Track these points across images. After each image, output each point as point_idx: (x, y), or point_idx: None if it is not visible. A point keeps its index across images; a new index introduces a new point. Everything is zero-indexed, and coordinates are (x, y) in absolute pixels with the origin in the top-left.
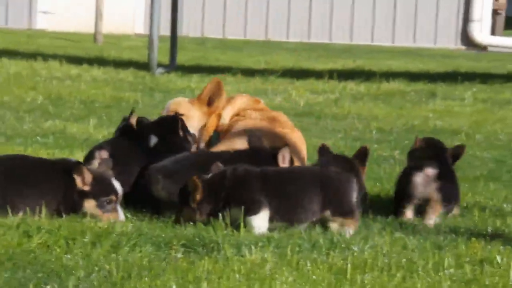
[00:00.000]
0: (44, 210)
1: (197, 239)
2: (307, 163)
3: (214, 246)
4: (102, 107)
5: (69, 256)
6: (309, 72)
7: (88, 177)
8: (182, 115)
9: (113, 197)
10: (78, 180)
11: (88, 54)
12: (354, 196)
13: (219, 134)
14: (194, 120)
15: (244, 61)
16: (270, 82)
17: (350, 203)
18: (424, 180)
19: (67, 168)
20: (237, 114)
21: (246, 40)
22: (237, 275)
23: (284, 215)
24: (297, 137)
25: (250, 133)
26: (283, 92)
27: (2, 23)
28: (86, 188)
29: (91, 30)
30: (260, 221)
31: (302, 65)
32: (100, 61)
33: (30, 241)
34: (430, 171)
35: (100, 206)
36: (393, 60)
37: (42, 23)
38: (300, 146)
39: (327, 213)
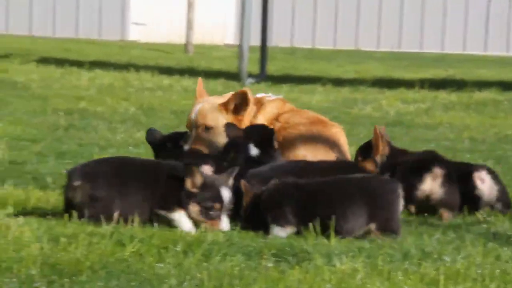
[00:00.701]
0: (136, 219)
1: (287, 249)
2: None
3: (304, 256)
4: None
5: (161, 265)
6: (399, 81)
7: (199, 180)
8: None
9: (218, 205)
10: (188, 182)
11: (179, 65)
12: (399, 209)
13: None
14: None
15: (333, 70)
16: (360, 91)
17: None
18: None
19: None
20: (275, 119)
21: (335, 49)
22: (327, 285)
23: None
24: (337, 132)
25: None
26: (373, 102)
27: (95, 35)
28: (195, 191)
29: (182, 40)
30: (282, 233)
31: (393, 75)
32: (191, 72)
33: (123, 250)
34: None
35: (203, 212)
36: (486, 69)
37: (134, 34)
38: (344, 141)
39: (372, 226)
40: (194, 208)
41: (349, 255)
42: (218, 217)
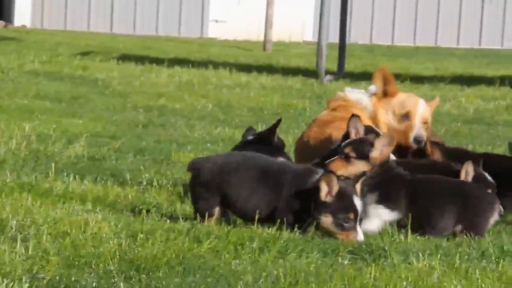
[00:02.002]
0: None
1: (364, 246)
2: None
3: (381, 253)
4: (270, 114)
5: (237, 261)
6: (479, 78)
7: (334, 189)
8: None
9: (352, 215)
10: (323, 191)
11: (257, 62)
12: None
13: None
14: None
15: (413, 67)
16: (439, 89)
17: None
18: None
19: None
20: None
21: (415, 46)
22: (404, 283)
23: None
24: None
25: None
26: (452, 99)
27: (175, 32)
28: (329, 200)
29: (261, 38)
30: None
31: (472, 72)
32: (269, 69)
33: (200, 246)
34: None
35: (337, 223)
36: None
37: (213, 31)
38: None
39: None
40: (327, 219)
41: (426, 253)
42: (353, 228)
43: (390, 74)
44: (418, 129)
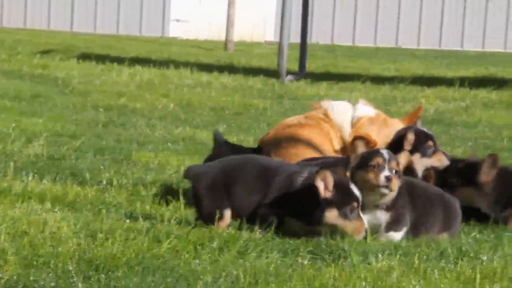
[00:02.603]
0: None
1: (324, 246)
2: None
3: (340, 253)
4: (232, 114)
5: (197, 261)
6: (439, 79)
7: (331, 183)
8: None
9: (355, 204)
10: (321, 187)
11: (218, 62)
12: None
13: None
14: None
15: (373, 68)
16: (399, 89)
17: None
18: None
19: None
20: None
21: (376, 47)
22: (363, 283)
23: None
24: (308, 133)
25: None
26: (412, 100)
27: (136, 32)
28: (329, 195)
29: (222, 37)
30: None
31: (433, 73)
32: (230, 69)
33: (160, 246)
34: None
35: (342, 215)
36: None
37: (174, 31)
38: (316, 141)
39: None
40: (331, 213)
41: (385, 253)
42: (358, 217)
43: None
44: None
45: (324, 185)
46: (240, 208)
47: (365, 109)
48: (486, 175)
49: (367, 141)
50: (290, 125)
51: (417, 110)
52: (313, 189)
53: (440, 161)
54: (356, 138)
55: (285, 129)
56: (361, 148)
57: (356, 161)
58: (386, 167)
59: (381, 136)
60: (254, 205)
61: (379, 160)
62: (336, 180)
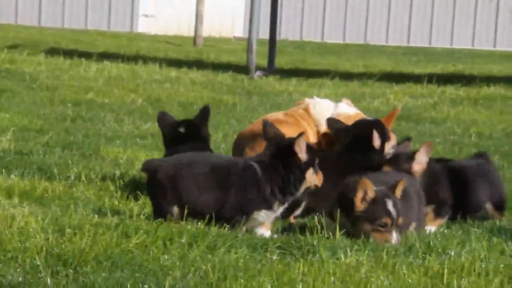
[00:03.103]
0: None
1: (293, 242)
2: None
3: (309, 249)
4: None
5: (166, 257)
6: (408, 76)
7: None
8: None
9: (388, 220)
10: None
11: (187, 57)
12: None
13: None
14: None
15: (342, 64)
16: (368, 86)
17: None
18: None
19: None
20: None
21: (345, 44)
22: (332, 278)
23: None
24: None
25: None
26: (381, 96)
27: (105, 26)
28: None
29: (191, 33)
30: None
31: (401, 69)
32: (199, 64)
33: (128, 241)
34: None
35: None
36: (494, 64)
37: (143, 26)
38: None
39: None
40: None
41: (354, 249)
42: (388, 232)
43: None
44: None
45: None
46: (192, 205)
47: (346, 108)
48: (419, 164)
49: (332, 139)
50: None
51: (393, 112)
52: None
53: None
54: (323, 135)
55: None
56: None
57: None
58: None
59: None
60: (210, 203)
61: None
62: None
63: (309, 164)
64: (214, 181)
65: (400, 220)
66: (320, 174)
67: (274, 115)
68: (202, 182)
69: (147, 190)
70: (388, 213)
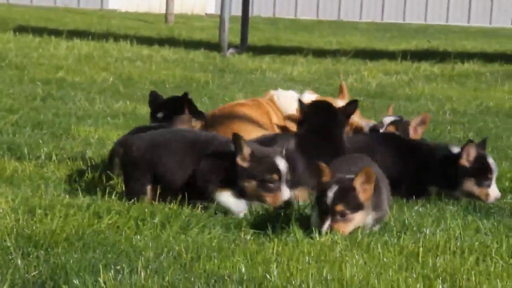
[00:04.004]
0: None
1: (267, 221)
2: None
3: (284, 228)
4: (173, 87)
5: (138, 237)
6: (382, 52)
7: (247, 152)
8: None
9: (275, 176)
10: (238, 156)
11: (159, 35)
12: None
13: None
14: None
15: (315, 41)
16: (342, 63)
17: None
18: None
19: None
20: None
21: (318, 20)
22: (307, 257)
23: None
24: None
25: None
26: (355, 73)
27: (74, 4)
28: (246, 165)
29: (163, 10)
30: None
31: (375, 46)
32: (171, 42)
33: (100, 221)
34: None
35: (261, 186)
36: (469, 41)
37: (114, 3)
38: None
39: None
40: (250, 183)
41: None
42: (278, 189)
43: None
44: (366, 124)
45: (241, 155)
46: (168, 182)
47: (310, 97)
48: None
49: (296, 120)
50: (232, 105)
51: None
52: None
53: None
54: (286, 117)
55: (226, 108)
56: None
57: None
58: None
59: None
60: (186, 179)
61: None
62: (256, 150)
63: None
64: (190, 158)
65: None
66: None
67: (242, 100)
68: (178, 159)
69: (121, 167)
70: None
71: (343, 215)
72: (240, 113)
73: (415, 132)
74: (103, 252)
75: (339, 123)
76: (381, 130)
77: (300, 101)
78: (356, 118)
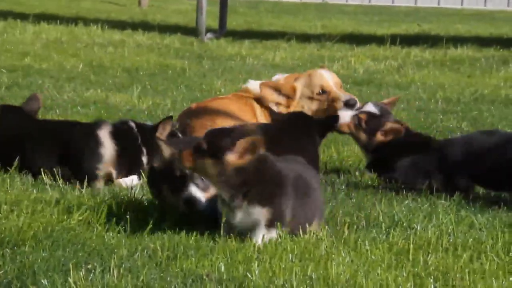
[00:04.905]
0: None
1: None
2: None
3: None
4: (147, 75)
5: (111, 234)
6: (369, 37)
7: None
8: None
9: None
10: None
11: (132, 19)
12: None
13: None
14: None
15: (299, 25)
16: (327, 48)
17: None
18: None
19: None
20: None
21: (302, 3)
22: (290, 255)
23: None
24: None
25: None
26: (341, 59)
27: None
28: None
29: None
30: None
31: (362, 30)
32: (145, 26)
33: (70, 218)
34: None
35: None
36: (462, 24)
37: None
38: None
39: None
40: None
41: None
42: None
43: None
44: (343, 96)
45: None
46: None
47: (279, 76)
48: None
49: (275, 87)
50: (211, 99)
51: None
52: None
53: None
54: (262, 84)
55: (205, 102)
56: None
57: None
58: None
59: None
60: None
61: None
62: None
63: None
64: None
65: None
66: None
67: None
68: None
69: None
70: None
71: None
72: (219, 106)
73: None
74: (74, 250)
75: (311, 140)
76: (354, 111)
77: (271, 110)
78: (335, 89)
